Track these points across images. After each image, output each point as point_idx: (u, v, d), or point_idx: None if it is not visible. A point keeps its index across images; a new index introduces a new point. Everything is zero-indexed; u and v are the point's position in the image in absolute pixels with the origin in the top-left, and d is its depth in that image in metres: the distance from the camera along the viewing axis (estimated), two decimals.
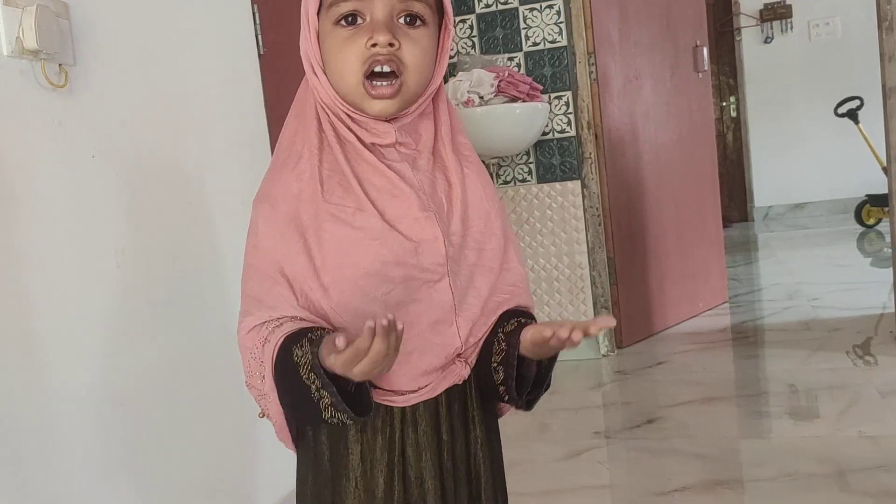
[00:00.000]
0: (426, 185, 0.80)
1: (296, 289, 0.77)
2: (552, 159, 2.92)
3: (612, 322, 0.71)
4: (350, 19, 0.76)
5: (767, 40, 6.50)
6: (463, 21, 2.96)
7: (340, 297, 0.76)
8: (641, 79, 3.19)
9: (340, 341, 0.64)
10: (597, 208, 2.92)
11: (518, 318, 0.82)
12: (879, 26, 2.55)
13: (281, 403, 0.76)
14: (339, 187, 0.77)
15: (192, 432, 1.42)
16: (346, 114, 0.78)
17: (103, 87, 1.27)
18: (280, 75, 1.77)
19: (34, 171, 1.13)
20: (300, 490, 0.84)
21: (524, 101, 2.72)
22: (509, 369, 0.78)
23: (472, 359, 0.82)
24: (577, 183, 2.90)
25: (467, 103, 2.68)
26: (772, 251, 5.25)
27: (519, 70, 2.89)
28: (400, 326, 0.66)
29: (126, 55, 1.33)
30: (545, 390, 0.83)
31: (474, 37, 2.95)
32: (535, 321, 0.83)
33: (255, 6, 1.78)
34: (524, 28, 2.89)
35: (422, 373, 0.80)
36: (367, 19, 0.76)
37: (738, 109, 6.80)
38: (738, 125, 6.82)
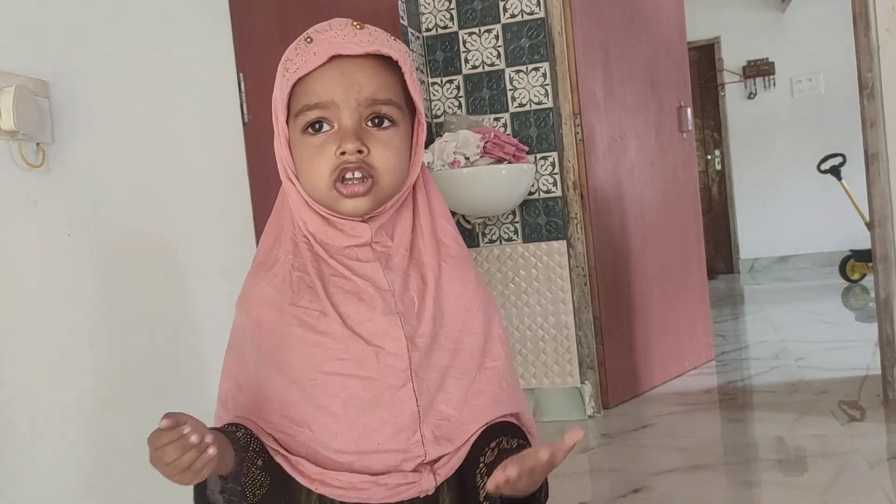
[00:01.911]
0: (397, 284, 0.78)
1: (259, 395, 0.75)
2: (538, 219, 2.92)
3: (580, 435, 0.68)
4: (318, 126, 0.75)
5: (751, 96, 6.61)
6: (450, 81, 2.99)
7: (302, 402, 0.75)
8: (627, 139, 3.22)
9: (164, 421, 0.63)
10: (582, 268, 2.92)
11: (500, 436, 0.79)
12: (861, 93, 2.59)
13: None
14: (308, 291, 0.76)
15: None
16: (322, 217, 0.77)
17: (82, 164, 1.25)
18: (265, 143, 1.76)
19: (8, 251, 1.11)
20: None
21: (510, 163, 2.74)
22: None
23: (445, 471, 0.78)
24: (563, 243, 2.91)
25: (453, 164, 2.69)
26: (758, 306, 5.26)
27: (505, 131, 2.91)
28: (188, 431, 0.63)
29: (107, 130, 1.32)
30: None
31: (461, 97, 2.97)
32: (522, 434, 0.80)
33: (241, 74, 1.78)
34: (510, 89, 2.92)
35: (378, 475, 0.76)
36: (335, 126, 0.75)
37: (722, 163, 6.88)
38: (724, 178, 6.90)
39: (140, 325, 1.35)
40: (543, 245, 2.92)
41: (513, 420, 0.82)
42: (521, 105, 2.91)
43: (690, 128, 3.58)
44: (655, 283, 3.31)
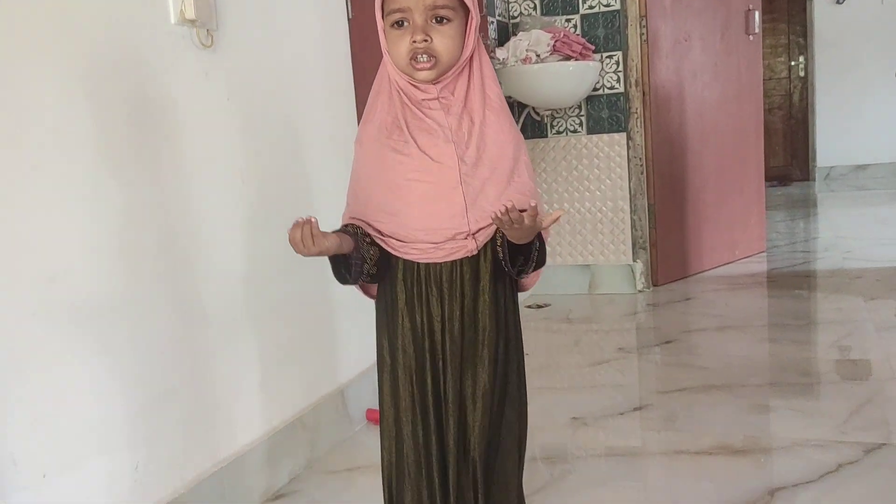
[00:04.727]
0: (454, 124, 1.19)
1: (366, 198, 1.20)
2: (601, 113, 3.24)
3: (560, 213, 1.11)
4: (400, 23, 1.15)
5: (839, 1, 6.52)
6: None
7: (392, 199, 1.18)
8: (691, 40, 3.46)
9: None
10: (640, 159, 3.25)
11: None
12: None
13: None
14: (396, 129, 1.19)
15: (295, 307, 1.87)
16: (406, 81, 1.18)
17: (237, 46, 1.68)
18: (365, 36, 2.16)
19: (188, 111, 1.56)
20: (377, 322, 1.27)
21: (577, 60, 3.05)
22: (503, 249, 1.18)
23: (482, 236, 1.19)
24: (624, 135, 3.23)
25: (525, 60, 3.02)
26: (825, 209, 5.43)
27: (575, 31, 3.21)
28: (314, 220, 1.09)
29: (252, 22, 1.75)
30: (533, 264, 1.20)
31: None
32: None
33: None
34: None
35: (439, 243, 1.19)
36: (410, 23, 1.14)
37: (806, 69, 6.86)
38: (806, 85, 6.90)
39: (273, 169, 1.81)
40: (605, 136, 3.25)
41: None
42: (590, 7, 3.19)
43: (758, 30, 3.76)
44: (711, 177, 3.60)
